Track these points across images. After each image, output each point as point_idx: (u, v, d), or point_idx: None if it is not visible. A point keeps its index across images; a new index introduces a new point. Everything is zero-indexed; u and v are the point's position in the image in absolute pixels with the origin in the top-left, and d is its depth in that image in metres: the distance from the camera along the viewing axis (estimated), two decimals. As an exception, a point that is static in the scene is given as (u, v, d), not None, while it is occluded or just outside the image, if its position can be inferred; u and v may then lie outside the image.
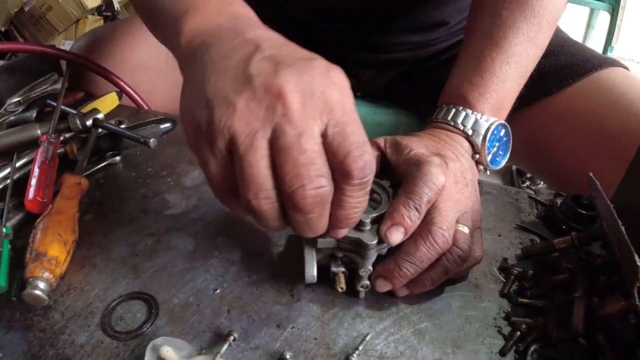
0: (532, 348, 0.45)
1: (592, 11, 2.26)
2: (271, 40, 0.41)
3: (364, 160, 0.37)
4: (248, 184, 0.37)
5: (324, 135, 0.37)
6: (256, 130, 0.36)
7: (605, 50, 2.08)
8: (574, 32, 2.42)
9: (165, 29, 0.49)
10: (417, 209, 0.44)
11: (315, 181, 0.37)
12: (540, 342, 0.46)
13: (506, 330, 0.47)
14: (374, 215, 0.45)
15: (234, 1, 0.47)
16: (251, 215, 0.40)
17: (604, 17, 2.15)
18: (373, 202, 0.48)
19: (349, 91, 0.39)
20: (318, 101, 0.37)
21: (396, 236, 0.44)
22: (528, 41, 0.61)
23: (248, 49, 0.39)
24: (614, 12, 2.02)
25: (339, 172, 0.38)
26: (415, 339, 0.46)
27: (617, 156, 0.69)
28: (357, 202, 0.39)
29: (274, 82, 0.36)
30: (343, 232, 0.43)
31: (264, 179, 0.37)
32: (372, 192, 0.49)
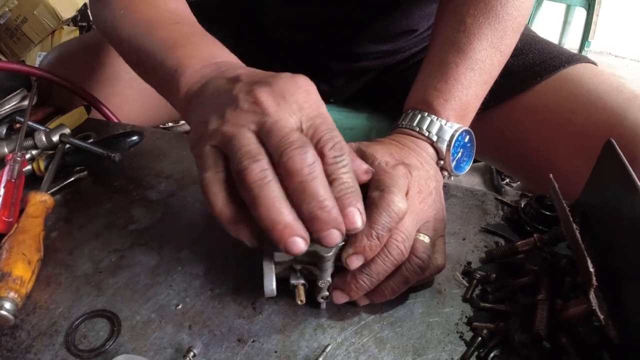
0: (492, 354, 0.45)
1: (568, 7, 2.28)
2: (247, 72, 0.48)
3: (333, 141, 0.43)
4: (239, 155, 0.41)
5: (300, 129, 0.43)
6: (241, 125, 0.43)
7: (582, 45, 2.10)
8: (551, 28, 2.45)
9: (162, 87, 0.57)
10: (379, 238, 0.44)
11: (300, 143, 0.41)
12: (501, 347, 0.46)
13: (468, 335, 0.47)
14: None
15: (215, 53, 0.55)
16: (255, 213, 0.41)
17: (580, 13, 2.17)
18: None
19: (314, 91, 0.45)
20: (289, 102, 0.43)
21: (356, 263, 0.44)
22: (492, 48, 0.61)
23: (231, 83, 0.47)
24: (589, 8, 2.05)
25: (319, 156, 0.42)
26: (375, 347, 0.46)
27: (587, 150, 0.70)
28: (344, 180, 0.42)
29: (252, 94, 0.43)
30: (356, 220, 0.43)
31: (254, 146, 0.41)
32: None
